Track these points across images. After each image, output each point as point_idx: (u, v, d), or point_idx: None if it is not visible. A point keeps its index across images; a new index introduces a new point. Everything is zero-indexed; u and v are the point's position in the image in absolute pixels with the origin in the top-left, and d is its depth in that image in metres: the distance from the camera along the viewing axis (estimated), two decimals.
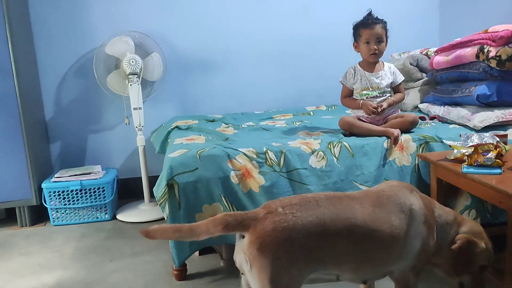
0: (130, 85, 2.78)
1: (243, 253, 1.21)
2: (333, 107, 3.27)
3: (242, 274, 1.27)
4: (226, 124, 2.74)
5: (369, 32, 2.20)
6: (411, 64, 2.99)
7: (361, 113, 2.31)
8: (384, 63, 2.33)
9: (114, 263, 2.23)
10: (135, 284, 2.01)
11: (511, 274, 1.52)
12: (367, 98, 2.28)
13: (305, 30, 3.36)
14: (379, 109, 2.21)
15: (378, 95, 2.28)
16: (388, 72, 2.30)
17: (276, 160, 1.99)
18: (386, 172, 2.06)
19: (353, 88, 2.32)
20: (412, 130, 2.22)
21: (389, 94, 2.31)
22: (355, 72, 2.30)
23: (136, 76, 2.78)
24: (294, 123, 2.69)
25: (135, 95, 2.80)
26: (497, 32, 2.24)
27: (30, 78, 2.91)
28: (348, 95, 2.35)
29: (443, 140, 2.05)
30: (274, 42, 3.33)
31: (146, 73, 2.88)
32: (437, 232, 1.42)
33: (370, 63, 2.29)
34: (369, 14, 2.23)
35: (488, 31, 2.33)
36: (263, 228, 1.18)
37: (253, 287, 1.22)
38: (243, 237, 1.22)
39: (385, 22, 2.24)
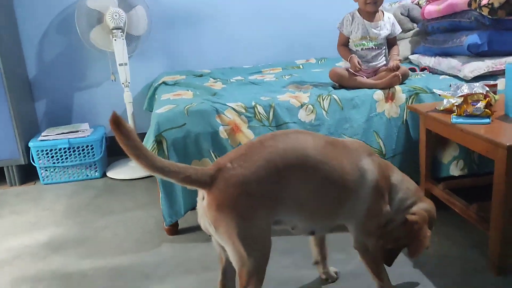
0: (115, 40, 2.70)
1: (205, 216, 1.20)
2: (322, 60, 3.21)
3: (210, 236, 1.27)
4: (214, 79, 2.69)
5: None
6: (402, 14, 2.92)
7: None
8: (384, 12, 2.26)
9: (106, 219, 2.24)
10: (127, 239, 2.03)
11: (496, 223, 1.55)
12: (362, 49, 2.23)
13: None
14: (396, 67, 2.15)
15: (374, 47, 2.23)
16: (388, 23, 2.24)
17: (265, 115, 1.97)
18: (375, 124, 2.06)
19: (350, 36, 2.25)
20: (403, 82, 2.19)
21: (384, 47, 2.27)
22: (353, 19, 2.23)
23: (120, 30, 2.69)
24: (283, 77, 2.65)
25: (120, 51, 2.72)
26: None
27: (9, 35, 2.80)
28: (344, 43, 2.28)
29: (433, 90, 2.03)
30: None
31: (130, 27, 2.78)
32: (391, 200, 1.39)
33: (370, 12, 2.21)
34: None
35: None
36: (216, 187, 1.17)
37: (224, 246, 1.23)
38: (203, 199, 1.21)
39: None
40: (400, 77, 2.11)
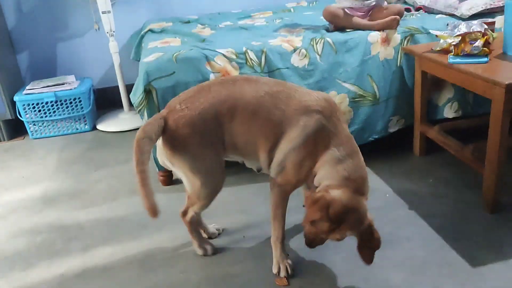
0: None
1: (162, 153, 1.36)
2: (314, 3, 3.11)
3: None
4: (202, 25, 2.60)
5: None
6: None
7: (347, 3, 2.19)
8: None
9: (99, 172, 2.23)
10: (121, 190, 2.03)
11: (491, 162, 1.56)
12: None
13: None
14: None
15: None
16: None
17: (257, 60, 1.92)
18: (369, 67, 2.02)
19: None
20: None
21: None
22: None
23: None
24: (274, 21, 2.56)
25: None
26: None
27: None
28: None
29: (429, 30, 1.98)
30: None
31: None
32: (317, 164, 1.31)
33: None
34: None
35: None
36: (168, 128, 1.31)
37: (181, 179, 1.40)
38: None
39: None
40: (399, 20, 2.05)
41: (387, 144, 2.16)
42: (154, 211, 1.26)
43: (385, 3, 2.25)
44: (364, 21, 2.12)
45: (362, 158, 1.32)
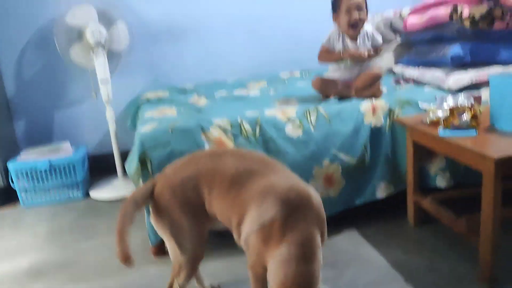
0: (96, 56, 2.67)
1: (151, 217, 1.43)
2: (307, 73, 3.23)
3: None
4: (198, 94, 2.68)
5: (349, 1, 2.16)
6: (384, 26, 2.97)
7: (336, 74, 2.30)
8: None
9: (89, 242, 2.19)
10: (112, 262, 1.98)
11: (486, 235, 1.56)
12: (345, 67, 2.28)
13: None
14: (364, 54, 2.18)
15: (356, 64, 2.27)
16: (366, 37, 2.27)
17: (251, 131, 1.96)
18: (362, 136, 2.06)
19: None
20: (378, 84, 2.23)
21: (366, 62, 2.31)
22: (338, 36, 2.26)
23: (101, 47, 2.67)
24: (268, 91, 2.65)
25: (102, 68, 2.70)
26: None
27: None
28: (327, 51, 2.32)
29: (419, 104, 2.05)
30: (246, 6, 3.25)
31: (112, 43, 2.76)
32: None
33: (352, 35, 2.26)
34: None
35: None
36: (155, 192, 1.40)
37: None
38: None
39: None
40: (382, 91, 2.15)
41: (381, 211, 2.17)
42: (126, 258, 1.30)
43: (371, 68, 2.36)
44: (353, 90, 2.23)
45: (317, 267, 1.17)
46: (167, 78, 3.20)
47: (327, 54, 2.28)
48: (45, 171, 2.71)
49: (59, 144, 2.92)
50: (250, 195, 1.28)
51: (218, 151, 1.50)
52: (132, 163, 1.87)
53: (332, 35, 2.28)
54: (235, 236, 1.36)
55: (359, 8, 2.18)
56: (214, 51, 3.26)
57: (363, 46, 2.25)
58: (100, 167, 3.07)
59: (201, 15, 3.19)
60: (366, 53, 2.19)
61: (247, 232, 1.26)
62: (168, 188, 1.38)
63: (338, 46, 2.26)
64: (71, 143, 2.97)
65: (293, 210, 1.20)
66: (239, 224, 1.30)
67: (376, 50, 2.24)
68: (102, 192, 2.78)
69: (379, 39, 2.30)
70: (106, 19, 2.75)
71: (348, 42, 2.26)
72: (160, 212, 1.39)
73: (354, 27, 2.20)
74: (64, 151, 2.80)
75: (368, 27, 2.30)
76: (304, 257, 1.15)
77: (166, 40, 3.16)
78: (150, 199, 1.41)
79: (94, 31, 2.63)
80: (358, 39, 2.25)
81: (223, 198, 1.34)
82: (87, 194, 2.82)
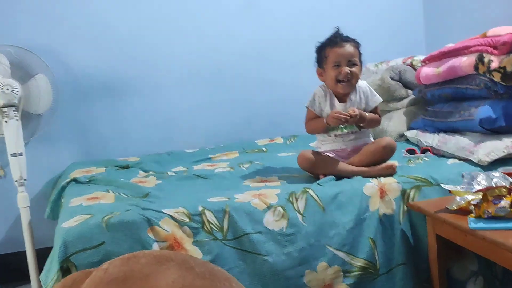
0: (5, 121, 2.67)
1: None
2: (292, 139, 3.28)
3: None
4: (145, 171, 2.69)
5: (338, 52, 2.26)
6: (392, 78, 3.07)
7: (327, 146, 2.36)
8: None
9: None
10: None
11: None
12: (336, 136, 2.34)
13: (251, 35, 3.40)
14: (352, 114, 2.22)
15: (350, 131, 2.32)
16: (359, 95, 2.35)
17: (218, 224, 1.94)
18: (368, 228, 2.06)
19: (322, 115, 2.35)
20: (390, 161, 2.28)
21: (368, 130, 2.39)
22: (325, 95, 2.34)
23: (13, 108, 2.67)
24: (241, 165, 2.67)
25: (13, 136, 2.68)
26: (498, 36, 2.34)
27: None
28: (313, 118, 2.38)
29: (441, 184, 2.07)
30: (209, 55, 3.34)
31: (28, 103, 2.78)
32: None
33: (341, 94, 2.33)
34: (337, 32, 2.31)
35: (487, 35, 2.44)
36: (84, 285, 1.42)
37: None
38: None
39: (358, 43, 2.32)
40: (396, 167, 2.20)
41: None
42: None
43: (371, 138, 2.40)
44: (351, 167, 2.26)
45: None
46: (103, 149, 3.20)
47: (314, 123, 2.35)
48: None
49: None
50: None
51: (164, 255, 1.49)
52: (50, 273, 1.81)
53: (317, 94, 2.35)
54: None
55: (349, 60, 2.26)
56: (167, 112, 3.31)
57: (354, 105, 2.32)
58: (7, 271, 2.98)
59: (149, 66, 3.27)
60: (355, 113, 2.23)
61: None
62: (93, 284, 1.39)
63: (326, 109, 2.32)
64: None
65: None
66: None
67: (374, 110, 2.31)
68: None
69: (377, 97, 2.37)
70: (22, 72, 2.80)
71: (336, 103, 2.32)
72: None
73: (346, 83, 2.27)
74: None
75: (362, 83, 2.38)
76: None
77: (101, 97, 3.20)
78: None
79: (4, 88, 2.64)
80: (349, 98, 2.32)
81: None
82: None
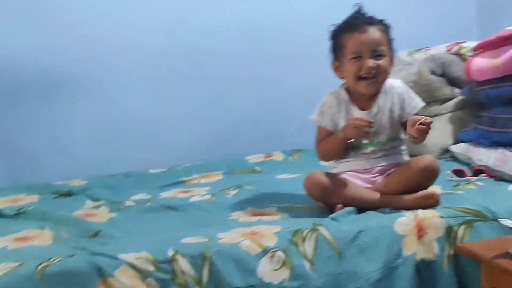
0: None
1: None
2: (295, 155, 3.29)
3: None
4: (94, 200, 2.70)
5: (358, 39, 2.29)
6: (433, 72, 3.09)
7: (346, 166, 2.38)
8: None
9: None
10: None
11: None
12: (356, 152, 2.36)
13: (239, 17, 3.44)
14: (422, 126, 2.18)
15: (377, 148, 2.35)
16: (391, 99, 2.37)
17: (194, 273, 1.94)
18: (401, 279, 2.07)
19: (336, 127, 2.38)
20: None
21: (397, 139, 2.39)
22: (339, 103, 2.36)
23: None
24: (226, 191, 2.69)
25: None
26: None
27: None
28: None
29: (499, 219, 2.08)
30: (182, 42, 3.39)
31: None
32: None
33: (365, 95, 2.36)
34: (359, 11, 2.34)
35: None
36: None
37: None
38: None
39: (386, 25, 2.35)
40: (438, 197, 2.22)
41: None
42: None
43: (406, 156, 2.41)
44: (381, 196, 2.26)
45: None
46: (36, 169, 3.22)
47: (329, 143, 2.36)
48: None
49: None
50: None
51: None
52: None
53: (326, 104, 2.38)
54: None
55: (375, 50, 2.29)
56: (123, 120, 3.34)
57: (385, 117, 2.36)
58: None
59: (98, 56, 3.31)
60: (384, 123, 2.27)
61: None
62: None
63: (341, 122, 2.35)
64: None
65: None
66: None
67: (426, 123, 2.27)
68: None
69: (417, 102, 2.38)
70: None
71: (356, 112, 2.34)
72: None
73: (371, 81, 2.29)
74: None
75: (395, 82, 2.41)
76: None
77: (36, 100, 3.23)
78: None
79: None
80: (375, 103, 2.34)
81: None
82: None
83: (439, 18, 3.63)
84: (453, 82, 3.12)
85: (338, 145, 2.32)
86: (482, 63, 2.77)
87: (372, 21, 2.31)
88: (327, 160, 2.45)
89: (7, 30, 3.16)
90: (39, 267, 1.88)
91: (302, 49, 3.25)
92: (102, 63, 3.29)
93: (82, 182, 3.01)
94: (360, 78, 2.29)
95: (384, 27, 2.33)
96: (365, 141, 2.31)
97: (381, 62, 2.28)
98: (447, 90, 3.11)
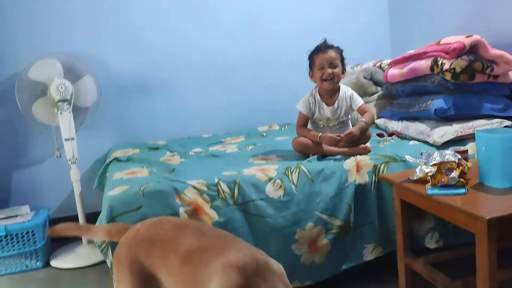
0: (60, 113, 2.67)
1: None
2: (286, 126, 3.29)
3: None
4: (171, 152, 2.68)
5: (322, 57, 2.26)
6: (365, 77, 3.08)
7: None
8: (340, 88, 2.36)
9: None
10: None
11: None
12: (323, 126, 2.35)
13: (253, 43, 3.38)
14: (344, 138, 2.22)
15: (336, 124, 2.34)
16: (344, 99, 2.34)
17: (230, 192, 1.96)
18: (346, 195, 2.07)
19: (314, 117, 2.36)
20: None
21: (348, 119, 2.38)
22: (315, 101, 2.34)
23: (66, 103, 2.67)
24: (247, 147, 2.68)
25: (66, 125, 2.68)
26: (449, 44, 2.34)
27: None
28: (304, 123, 2.37)
29: (406, 157, 2.08)
30: (220, 57, 3.34)
31: (78, 99, 2.77)
32: None
33: (328, 91, 2.32)
34: (324, 41, 2.31)
35: (441, 42, 2.44)
36: (119, 242, 1.53)
37: None
38: None
39: (341, 49, 2.31)
40: (370, 148, 2.21)
41: (371, 275, 2.16)
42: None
43: (351, 126, 2.40)
44: (334, 149, 2.25)
45: None
46: (138, 134, 3.20)
47: (306, 132, 2.32)
48: (1, 238, 2.61)
49: (17, 208, 2.84)
50: (205, 273, 1.28)
51: (184, 223, 1.54)
52: None
53: (308, 99, 2.35)
54: None
55: (332, 63, 2.26)
56: (187, 105, 3.31)
57: (342, 109, 2.33)
58: None
59: (172, 68, 3.25)
60: (343, 138, 2.23)
61: None
62: (126, 244, 1.49)
63: (316, 111, 2.34)
64: (30, 206, 2.90)
65: (252, 275, 1.22)
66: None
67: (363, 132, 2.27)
68: (64, 261, 2.68)
69: (359, 100, 2.35)
70: (72, 74, 2.78)
71: (325, 107, 2.33)
72: (114, 264, 1.51)
73: (329, 81, 2.26)
74: (22, 216, 2.72)
75: (347, 89, 2.37)
76: None
77: (135, 94, 3.20)
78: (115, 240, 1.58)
79: (59, 86, 2.64)
80: (335, 103, 2.33)
81: (174, 276, 1.36)
82: (47, 263, 2.71)
83: (369, 45, 3.59)
84: (377, 83, 3.10)
85: (310, 138, 2.28)
86: (394, 72, 2.75)
87: (331, 46, 2.28)
88: (300, 136, 2.36)
89: (117, 52, 3.15)
90: (141, 188, 1.90)
91: (290, 65, 3.23)
92: (173, 72, 3.27)
93: (164, 142, 3.02)
94: (323, 80, 2.28)
95: (338, 50, 2.29)
96: (328, 120, 2.31)
97: (335, 70, 2.26)
98: (373, 88, 3.09)
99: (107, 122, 3.15)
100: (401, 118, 2.65)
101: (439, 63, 2.34)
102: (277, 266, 1.30)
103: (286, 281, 1.28)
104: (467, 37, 2.32)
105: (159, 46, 3.21)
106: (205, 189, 1.94)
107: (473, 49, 2.32)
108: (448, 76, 2.30)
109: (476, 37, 2.31)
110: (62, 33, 3.01)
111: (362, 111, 2.34)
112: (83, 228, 1.71)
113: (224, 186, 1.96)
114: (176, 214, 1.87)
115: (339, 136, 2.23)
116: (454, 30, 2.66)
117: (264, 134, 3.12)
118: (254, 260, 1.26)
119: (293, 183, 2.03)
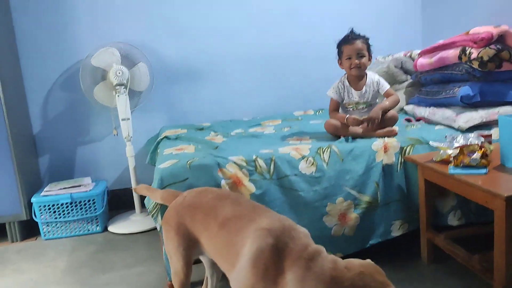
0: (118, 96, 2.78)
1: None
2: (320, 111, 3.29)
3: None
4: (215, 132, 2.74)
5: (349, 48, 2.25)
6: (395, 66, 3.03)
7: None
8: (368, 74, 2.34)
9: (107, 276, 2.22)
10: None
11: (499, 273, 1.55)
12: (353, 109, 2.34)
13: (290, 35, 3.37)
14: (367, 119, 2.23)
15: (365, 107, 2.33)
16: (371, 85, 2.32)
17: (266, 168, 2.00)
18: (374, 174, 2.08)
19: (343, 102, 2.36)
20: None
21: (376, 102, 2.36)
22: (344, 87, 2.34)
23: (123, 86, 2.78)
24: (283, 129, 2.71)
25: (123, 106, 2.80)
26: (478, 34, 2.29)
27: (15, 92, 2.89)
28: (336, 108, 2.38)
29: (429, 142, 2.08)
30: (260, 47, 3.35)
31: (133, 83, 2.88)
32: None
33: (355, 78, 2.32)
34: (351, 31, 2.30)
35: (470, 33, 2.38)
36: (169, 207, 1.63)
37: None
38: None
39: (367, 38, 2.29)
40: (396, 131, 2.20)
41: (395, 248, 2.17)
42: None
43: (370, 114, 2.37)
44: (361, 130, 2.26)
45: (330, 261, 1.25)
46: (185, 116, 3.28)
47: (338, 116, 2.32)
48: (67, 205, 2.77)
49: (80, 179, 3.00)
50: (239, 238, 1.34)
51: (225, 194, 1.60)
52: (151, 199, 1.91)
53: (336, 86, 2.35)
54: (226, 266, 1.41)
55: (359, 53, 2.24)
56: (230, 91, 3.35)
57: (369, 93, 2.32)
58: (119, 202, 3.14)
59: (216, 57, 3.29)
60: (365, 119, 2.23)
61: (238, 270, 1.30)
62: (174, 208, 1.58)
63: (346, 97, 2.34)
64: (92, 178, 3.05)
65: (279, 236, 1.29)
66: (230, 269, 1.36)
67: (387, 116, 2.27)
68: (120, 227, 2.82)
69: (385, 85, 2.33)
70: (129, 61, 2.88)
71: (353, 92, 2.32)
72: (163, 225, 1.61)
73: (356, 68, 2.26)
74: (84, 186, 2.87)
75: (374, 75, 2.35)
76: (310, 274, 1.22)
77: (184, 80, 3.27)
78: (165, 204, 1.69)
79: (117, 72, 2.74)
80: (363, 88, 2.32)
81: (213, 239, 1.44)
82: (105, 228, 2.86)
83: (400, 36, 3.52)
84: (407, 72, 3.05)
85: (340, 120, 2.28)
86: (423, 61, 2.70)
87: (358, 37, 2.26)
88: (331, 118, 2.36)
89: (167, 42, 3.21)
90: (188, 162, 1.97)
91: (323, 55, 3.17)
92: (218, 60, 3.30)
93: (208, 124, 3.07)
94: (351, 69, 2.27)
95: (365, 39, 2.27)
96: (357, 103, 2.32)
97: (362, 60, 2.25)
98: (403, 77, 3.04)
99: (158, 105, 3.24)
100: (428, 105, 2.61)
101: (467, 52, 2.29)
102: (302, 229, 1.37)
103: (310, 240, 1.34)
104: (495, 27, 2.26)
105: (205, 36, 3.25)
106: (244, 164, 1.99)
107: (501, 39, 2.25)
108: (475, 65, 2.25)
109: (504, 27, 2.25)
110: (120, 24, 3.10)
111: (387, 95, 2.33)
112: (150, 189, 1.85)
113: (261, 162, 2.01)
114: (218, 185, 1.93)
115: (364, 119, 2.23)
116: (484, 21, 2.58)
117: (300, 118, 3.13)
118: (281, 224, 1.34)
119: (324, 161, 2.05)
